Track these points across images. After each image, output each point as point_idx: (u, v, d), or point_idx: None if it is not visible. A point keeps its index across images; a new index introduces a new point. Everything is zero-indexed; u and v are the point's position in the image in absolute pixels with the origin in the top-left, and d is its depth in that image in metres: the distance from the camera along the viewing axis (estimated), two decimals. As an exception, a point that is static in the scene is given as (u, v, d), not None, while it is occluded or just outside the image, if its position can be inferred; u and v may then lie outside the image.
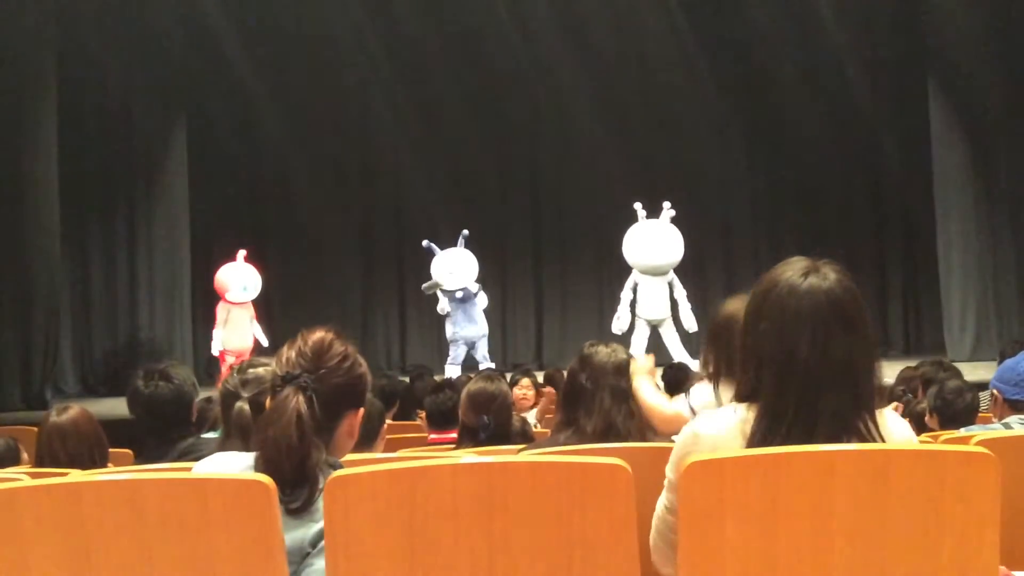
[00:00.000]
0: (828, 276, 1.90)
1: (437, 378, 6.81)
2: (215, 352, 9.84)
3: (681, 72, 12.04)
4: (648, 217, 9.94)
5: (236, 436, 2.11)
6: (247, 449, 2.01)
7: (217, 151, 11.82)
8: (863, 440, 1.82)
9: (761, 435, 1.83)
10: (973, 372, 7.19)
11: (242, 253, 10.13)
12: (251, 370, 2.32)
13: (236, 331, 9.87)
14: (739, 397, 1.91)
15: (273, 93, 11.83)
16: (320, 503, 1.79)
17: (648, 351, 9.95)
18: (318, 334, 1.98)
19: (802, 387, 1.81)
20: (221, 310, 9.98)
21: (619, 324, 10.01)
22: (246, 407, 2.11)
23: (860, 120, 12.03)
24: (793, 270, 1.91)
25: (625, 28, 11.91)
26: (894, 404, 4.03)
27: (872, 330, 1.91)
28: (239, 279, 10.00)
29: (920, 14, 10.90)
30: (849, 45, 11.59)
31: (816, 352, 1.80)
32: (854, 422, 1.82)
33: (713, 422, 1.89)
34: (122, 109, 10.74)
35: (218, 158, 11.85)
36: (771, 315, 1.85)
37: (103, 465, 3.54)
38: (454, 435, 3.87)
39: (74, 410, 3.66)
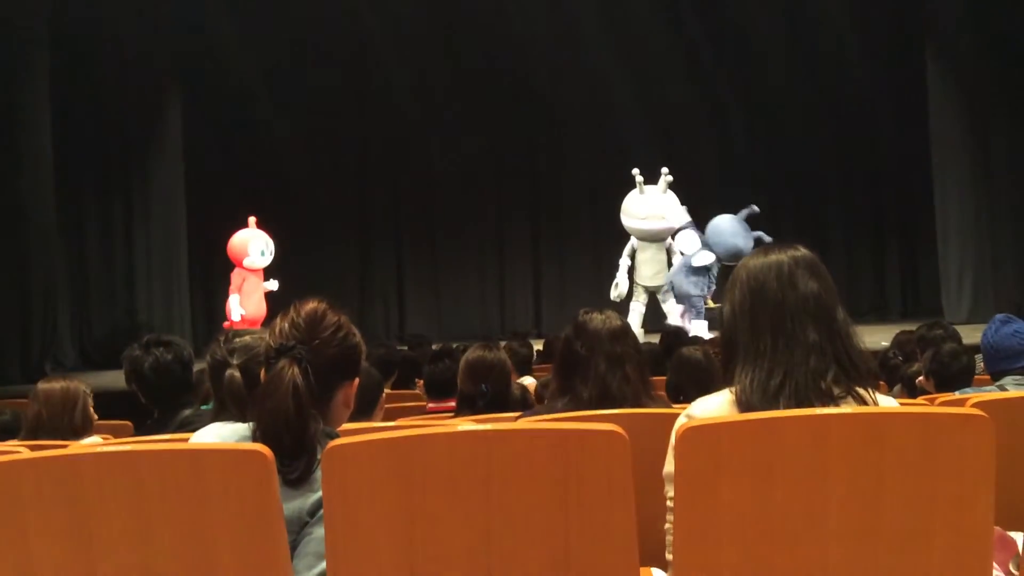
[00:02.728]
0: (791, 248, 2.02)
1: (435, 347, 6.84)
2: (236, 318, 9.64)
3: (679, 45, 11.98)
4: (646, 183, 9.91)
5: (230, 404, 2.11)
6: (242, 419, 2.01)
7: (213, 125, 11.76)
8: (847, 375, 1.88)
9: (745, 385, 1.89)
10: (971, 335, 7.17)
11: (252, 219, 10.04)
12: (237, 339, 2.31)
13: (251, 298, 9.79)
14: (724, 367, 1.98)
15: (268, 67, 11.76)
16: (318, 473, 1.80)
17: (646, 317, 10.01)
18: (311, 305, 1.97)
19: (775, 317, 1.90)
20: (236, 277, 9.84)
21: (617, 291, 10.01)
22: (237, 374, 2.11)
23: (858, 89, 12.00)
24: (758, 252, 2.05)
25: (622, 3, 11.81)
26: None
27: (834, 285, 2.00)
28: (256, 244, 9.88)
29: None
30: (847, 17, 11.52)
31: (784, 285, 1.92)
32: (836, 355, 1.88)
33: (704, 404, 1.96)
34: (117, 85, 10.65)
35: (214, 132, 11.80)
36: (741, 280, 1.98)
37: (82, 435, 3.54)
38: (453, 404, 3.89)
39: (49, 382, 3.67)
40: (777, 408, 1.85)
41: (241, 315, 9.62)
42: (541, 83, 12.48)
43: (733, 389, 1.93)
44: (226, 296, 9.96)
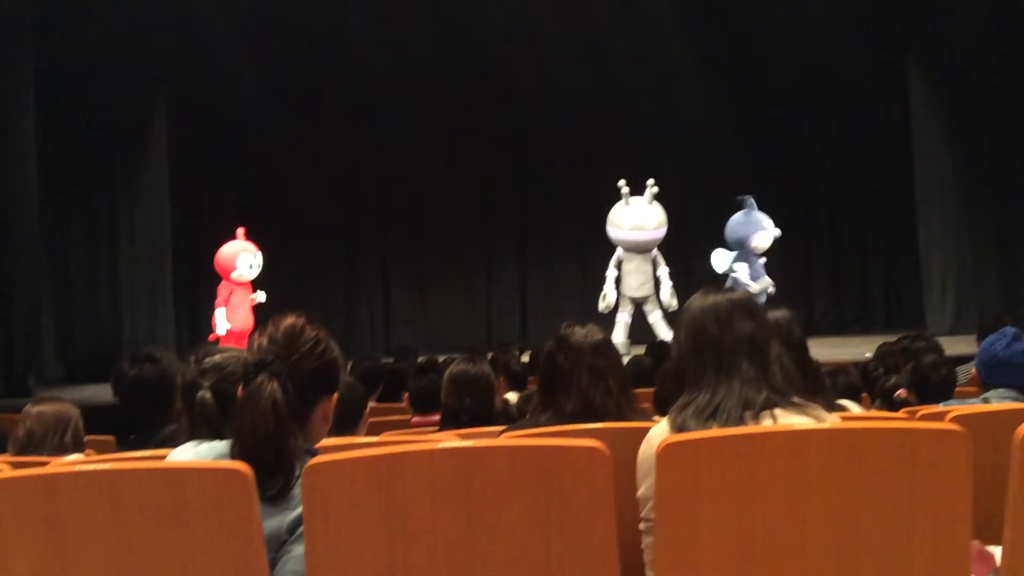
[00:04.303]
0: (728, 291, 2.32)
1: (420, 359, 6.82)
2: (221, 332, 9.53)
3: (665, 53, 12.01)
4: (632, 194, 9.95)
5: (202, 426, 2.10)
6: (216, 437, 2.00)
7: (198, 134, 11.72)
8: (782, 396, 2.11)
9: (679, 411, 2.11)
10: (954, 346, 7.24)
11: (241, 231, 9.99)
12: (207, 359, 2.30)
13: (238, 311, 9.71)
14: (670, 401, 2.23)
15: (255, 75, 11.71)
16: (297, 490, 1.79)
17: (632, 329, 10.03)
18: (289, 320, 1.96)
19: (714, 354, 2.14)
20: (223, 289, 9.72)
21: (604, 303, 10.04)
22: (208, 395, 2.10)
23: (841, 99, 12.05)
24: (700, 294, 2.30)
25: (609, 15, 11.84)
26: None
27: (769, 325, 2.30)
28: (245, 257, 9.81)
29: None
30: (830, 22, 11.58)
31: (722, 326, 2.15)
32: (769, 382, 2.12)
33: (654, 430, 2.17)
34: (102, 95, 10.58)
35: (199, 142, 11.76)
36: (685, 322, 2.24)
37: (75, 451, 3.52)
38: (437, 418, 3.88)
39: (43, 404, 3.66)
40: (710, 428, 2.04)
41: (227, 329, 9.56)
42: (528, 94, 12.49)
43: (669, 416, 2.14)
44: (211, 309, 9.91)
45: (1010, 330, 3.59)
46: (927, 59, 10.83)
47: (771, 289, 9.68)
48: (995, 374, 3.57)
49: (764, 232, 9.73)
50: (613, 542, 1.78)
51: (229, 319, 9.60)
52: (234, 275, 9.74)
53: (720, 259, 9.97)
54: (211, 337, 9.46)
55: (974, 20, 10.49)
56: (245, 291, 9.83)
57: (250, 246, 9.89)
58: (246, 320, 9.63)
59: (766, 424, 2.05)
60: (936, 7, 10.68)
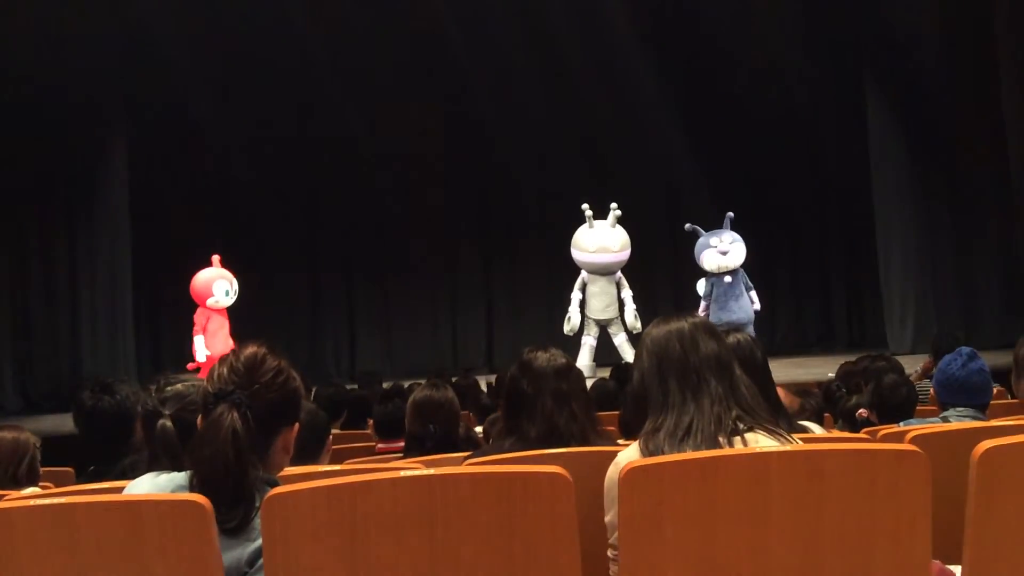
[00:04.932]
0: (688, 315, 2.27)
1: (386, 385, 6.80)
2: (201, 359, 9.47)
3: (628, 78, 12.14)
4: (595, 218, 10.00)
5: (162, 455, 2.07)
6: (176, 468, 1.97)
7: (159, 164, 11.65)
8: (752, 416, 2.08)
9: (650, 435, 2.07)
10: (914, 365, 7.32)
11: (216, 258, 9.92)
12: (169, 387, 2.27)
13: (216, 337, 9.62)
14: (633, 428, 2.24)
15: (216, 102, 11.67)
16: (257, 521, 1.77)
17: (597, 351, 10.06)
18: (250, 349, 1.94)
19: (681, 373, 2.11)
20: (200, 316, 9.68)
21: (569, 325, 10.07)
22: (169, 424, 2.07)
23: (801, 121, 12.21)
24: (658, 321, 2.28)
25: (574, 34, 11.94)
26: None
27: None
28: (221, 284, 9.74)
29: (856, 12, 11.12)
30: (788, 45, 11.76)
31: (687, 346, 2.14)
32: (738, 401, 2.10)
33: (621, 456, 2.13)
34: (61, 124, 10.47)
35: (160, 171, 11.68)
36: (646, 347, 2.20)
37: (28, 484, 3.46)
38: (402, 444, 3.86)
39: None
40: (685, 451, 2.00)
41: (207, 355, 9.46)
42: (491, 119, 12.55)
43: (638, 441, 2.09)
44: (172, 339, 9.81)
45: (965, 350, 3.64)
46: (882, 81, 11.02)
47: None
48: (953, 394, 3.61)
49: (709, 251, 9.78)
50: (578, 568, 1.78)
51: (208, 346, 9.52)
52: (210, 302, 9.69)
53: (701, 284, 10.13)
54: (191, 365, 9.38)
55: (927, 39, 10.68)
56: (222, 318, 9.76)
57: (226, 273, 9.85)
58: (225, 346, 9.54)
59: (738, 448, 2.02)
60: (890, 29, 10.89)
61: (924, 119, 10.86)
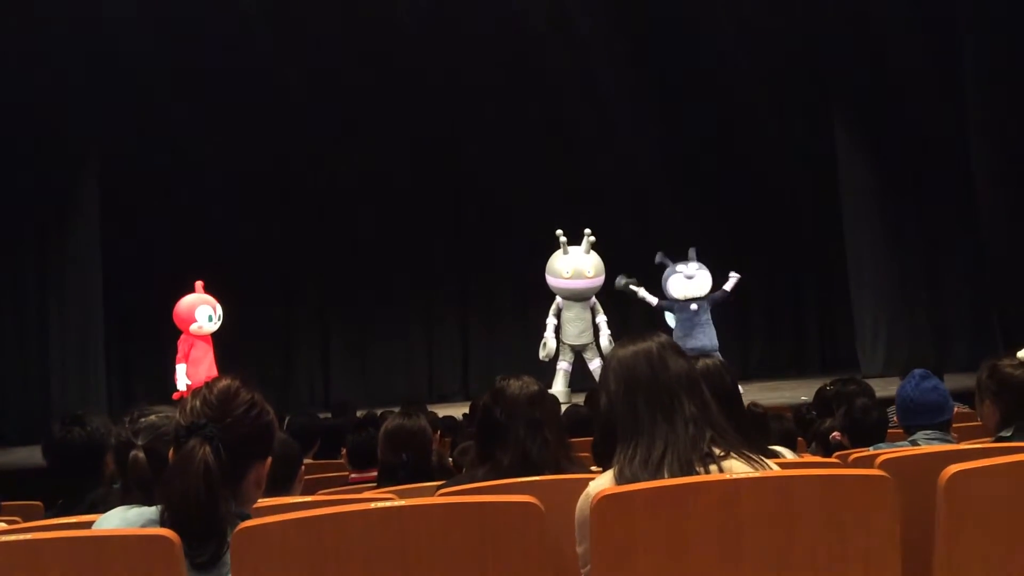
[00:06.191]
0: (653, 335, 2.19)
1: (360, 413, 6.76)
2: (182, 387, 9.27)
3: (603, 103, 12.23)
4: (569, 244, 10.04)
5: (135, 487, 2.05)
6: (148, 501, 1.96)
7: (130, 195, 11.56)
8: (724, 439, 2.01)
9: (624, 462, 1.99)
10: (886, 388, 7.37)
11: (199, 284, 9.82)
12: (142, 419, 2.26)
13: (200, 365, 9.46)
14: (604, 456, 2.11)
15: (189, 135, 11.62)
16: (228, 556, 1.76)
17: (572, 377, 10.06)
18: (224, 382, 1.94)
19: (651, 395, 2.04)
20: (183, 344, 9.53)
21: (545, 351, 10.07)
22: (141, 455, 2.06)
23: (772, 151, 12.31)
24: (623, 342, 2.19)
25: (547, 63, 12.04)
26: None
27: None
28: (204, 310, 9.60)
29: (819, 38, 11.31)
30: (754, 69, 11.91)
31: (656, 367, 2.07)
32: (711, 422, 2.03)
33: (597, 482, 2.05)
34: (28, 152, 10.38)
35: (131, 202, 11.59)
36: (613, 370, 2.12)
37: None
38: (375, 474, 3.83)
39: None
40: (661, 477, 1.93)
41: (187, 385, 9.31)
42: (466, 144, 12.58)
43: (612, 469, 2.02)
44: (144, 371, 9.67)
45: (918, 371, 3.69)
46: (850, 109, 11.20)
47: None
48: (912, 415, 3.65)
49: (676, 276, 9.81)
50: (549, 597, 1.78)
51: (190, 375, 9.37)
52: (193, 328, 9.56)
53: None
54: (175, 395, 9.25)
55: (891, 62, 10.86)
56: (206, 344, 9.63)
57: (209, 298, 9.74)
58: (208, 374, 9.40)
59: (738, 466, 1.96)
60: (853, 55, 11.08)
61: (893, 147, 11.02)
